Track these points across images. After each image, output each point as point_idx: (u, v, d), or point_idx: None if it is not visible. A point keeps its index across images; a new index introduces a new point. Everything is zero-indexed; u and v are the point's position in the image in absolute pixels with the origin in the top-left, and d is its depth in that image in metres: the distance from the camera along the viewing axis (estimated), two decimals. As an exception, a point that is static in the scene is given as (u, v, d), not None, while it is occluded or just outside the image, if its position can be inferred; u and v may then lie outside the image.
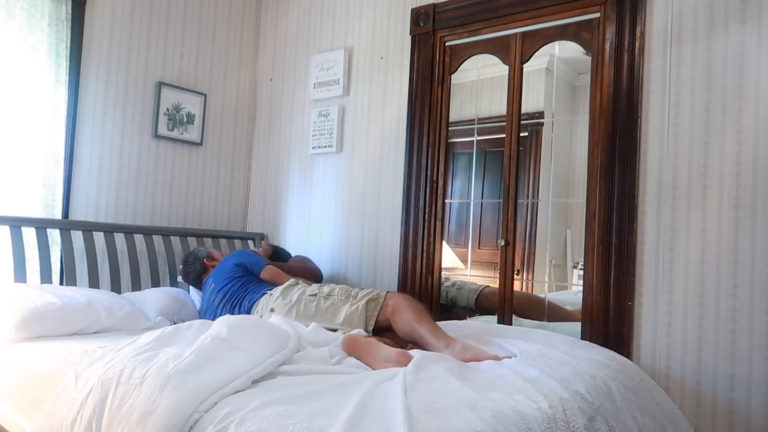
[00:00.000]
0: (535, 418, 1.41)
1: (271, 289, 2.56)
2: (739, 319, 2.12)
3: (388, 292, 2.35)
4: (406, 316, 2.19)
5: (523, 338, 2.22)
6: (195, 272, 2.93)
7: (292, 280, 2.61)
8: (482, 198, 2.92)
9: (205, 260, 2.92)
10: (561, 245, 2.69)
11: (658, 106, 2.34)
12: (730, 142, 2.18)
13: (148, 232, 3.13)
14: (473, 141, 2.93)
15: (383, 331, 2.27)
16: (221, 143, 3.68)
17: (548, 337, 2.26)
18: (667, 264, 2.28)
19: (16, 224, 2.60)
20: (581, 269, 2.52)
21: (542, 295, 2.68)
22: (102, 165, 3.10)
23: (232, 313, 2.55)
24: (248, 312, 2.57)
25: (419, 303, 2.31)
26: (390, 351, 1.83)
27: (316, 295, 2.42)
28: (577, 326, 2.46)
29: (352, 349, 1.90)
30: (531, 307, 2.69)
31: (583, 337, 2.41)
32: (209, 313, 2.65)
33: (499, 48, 2.80)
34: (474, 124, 2.94)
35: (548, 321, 2.62)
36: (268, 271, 2.70)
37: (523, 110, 2.73)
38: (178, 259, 3.24)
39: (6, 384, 1.95)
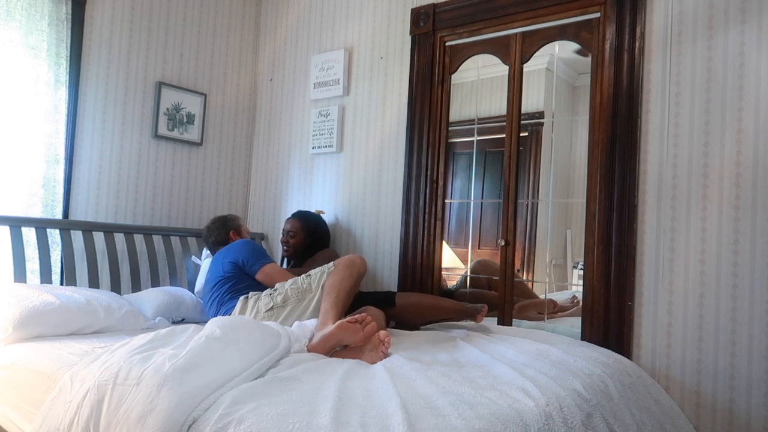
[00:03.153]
0: (532, 416, 1.41)
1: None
2: (739, 319, 2.12)
3: (333, 267, 2.27)
4: (325, 287, 2.17)
5: (522, 338, 2.23)
6: (215, 239, 2.82)
7: (245, 295, 2.37)
8: (482, 198, 2.92)
9: (231, 233, 2.82)
10: (561, 245, 2.69)
11: (658, 106, 2.34)
12: (730, 142, 2.18)
13: (148, 232, 3.13)
14: (473, 141, 2.93)
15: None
16: (221, 143, 3.68)
17: (546, 336, 2.27)
18: (667, 264, 2.27)
19: (16, 224, 2.60)
20: (581, 269, 2.52)
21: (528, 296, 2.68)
22: (102, 165, 3.10)
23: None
24: None
25: (349, 271, 2.22)
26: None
27: (272, 308, 2.25)
28: (577, 327, 2.46)
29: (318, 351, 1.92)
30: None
31: (583, 337, 2.41)
32: (205, 304, 2.56)
33: (499, 48, 2.80)
34: (474, 124, 2.93)
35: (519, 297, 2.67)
36: (264, 273, 2.47)
37: (523, 110, 2.72)
38: (178, 259, 3.24)
39: (4, 384, 1.95)
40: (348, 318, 1.91)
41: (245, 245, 2.57)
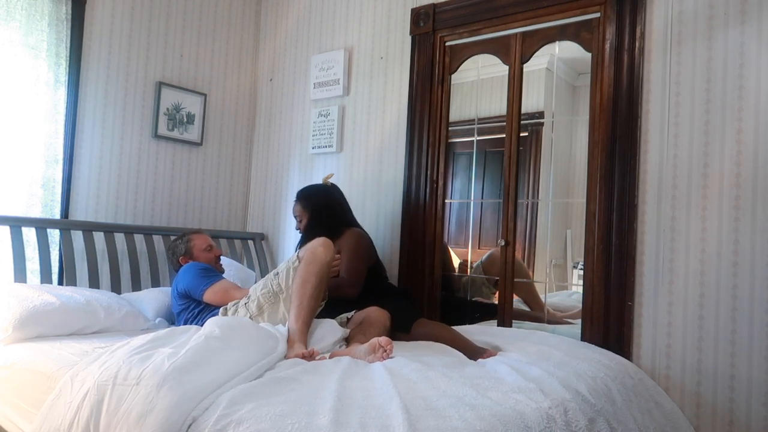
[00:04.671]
0: (534, 418, 1.41)
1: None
2: (739, 319, 2.12)
3: (297, 261, 2.17)
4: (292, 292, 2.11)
5: (522, 340, 2.23)
6: (173, 268, 2.73)
7: (224, 307, 2.29)
8: (482, 198, 2.91)
9: (181, 259, 2.64)
10: (561, 245, 2.69)
11: (658, 106, 2.33)
12: (730, 142, 2.17)
13: (148, 232, 3.13)
14: (473, 141, 2.93)
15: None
16: (221, 143, 3.68)
17: (547, 338, 2.27)
18: (667, 264, 2.27)
19: (16, 224, 2.60)
20: (581, 269, 2.52)
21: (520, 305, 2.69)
22: (102, 165, 3.10)
23: None
24: None
25: (311, 268, 2.10)
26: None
27: (251, 318, 2.15)
28: (577, 327, 2.46)
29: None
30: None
31: (583, 338, 2.41)
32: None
33: (499, 48, 2.80)
34: (474, 124, 2.93)
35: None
36: (208, 297, 2.35)
37: (523, 110, 2.72)
38: (178, 259, 3.24)
39: (4, 384, 1.95)
40: (302, 351, 1.83)
41: (186, 273, 2.47)
